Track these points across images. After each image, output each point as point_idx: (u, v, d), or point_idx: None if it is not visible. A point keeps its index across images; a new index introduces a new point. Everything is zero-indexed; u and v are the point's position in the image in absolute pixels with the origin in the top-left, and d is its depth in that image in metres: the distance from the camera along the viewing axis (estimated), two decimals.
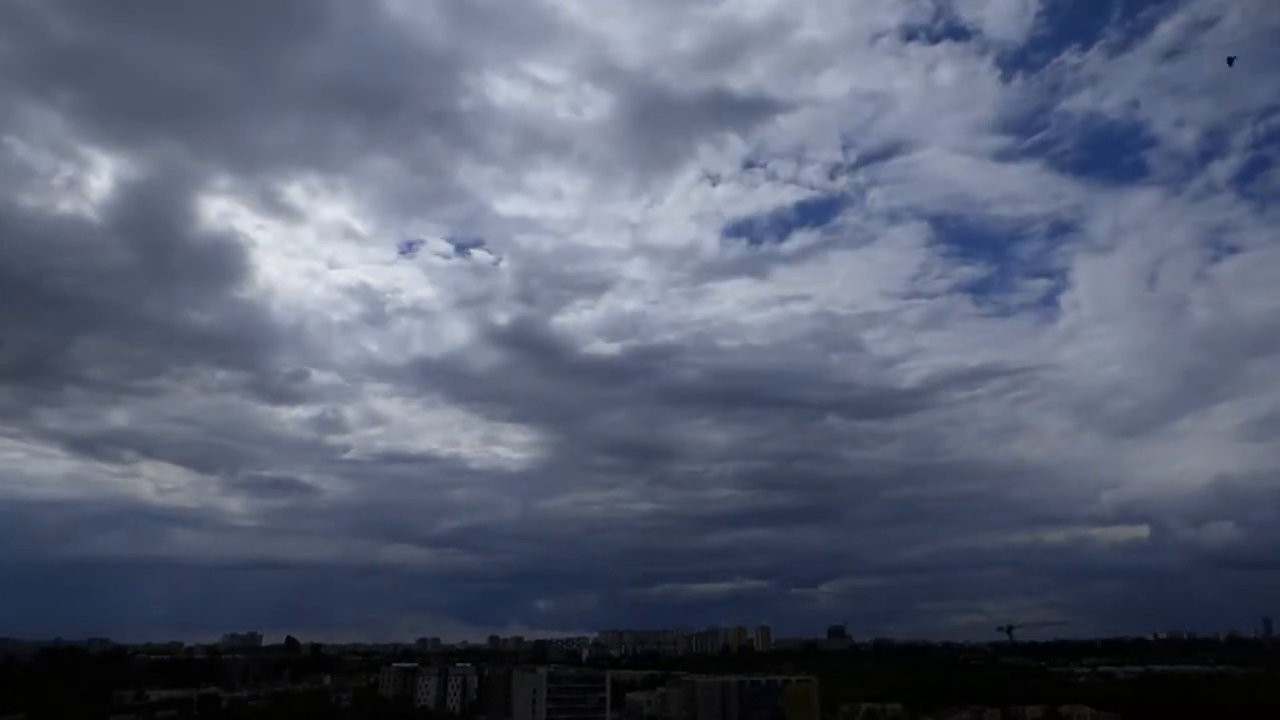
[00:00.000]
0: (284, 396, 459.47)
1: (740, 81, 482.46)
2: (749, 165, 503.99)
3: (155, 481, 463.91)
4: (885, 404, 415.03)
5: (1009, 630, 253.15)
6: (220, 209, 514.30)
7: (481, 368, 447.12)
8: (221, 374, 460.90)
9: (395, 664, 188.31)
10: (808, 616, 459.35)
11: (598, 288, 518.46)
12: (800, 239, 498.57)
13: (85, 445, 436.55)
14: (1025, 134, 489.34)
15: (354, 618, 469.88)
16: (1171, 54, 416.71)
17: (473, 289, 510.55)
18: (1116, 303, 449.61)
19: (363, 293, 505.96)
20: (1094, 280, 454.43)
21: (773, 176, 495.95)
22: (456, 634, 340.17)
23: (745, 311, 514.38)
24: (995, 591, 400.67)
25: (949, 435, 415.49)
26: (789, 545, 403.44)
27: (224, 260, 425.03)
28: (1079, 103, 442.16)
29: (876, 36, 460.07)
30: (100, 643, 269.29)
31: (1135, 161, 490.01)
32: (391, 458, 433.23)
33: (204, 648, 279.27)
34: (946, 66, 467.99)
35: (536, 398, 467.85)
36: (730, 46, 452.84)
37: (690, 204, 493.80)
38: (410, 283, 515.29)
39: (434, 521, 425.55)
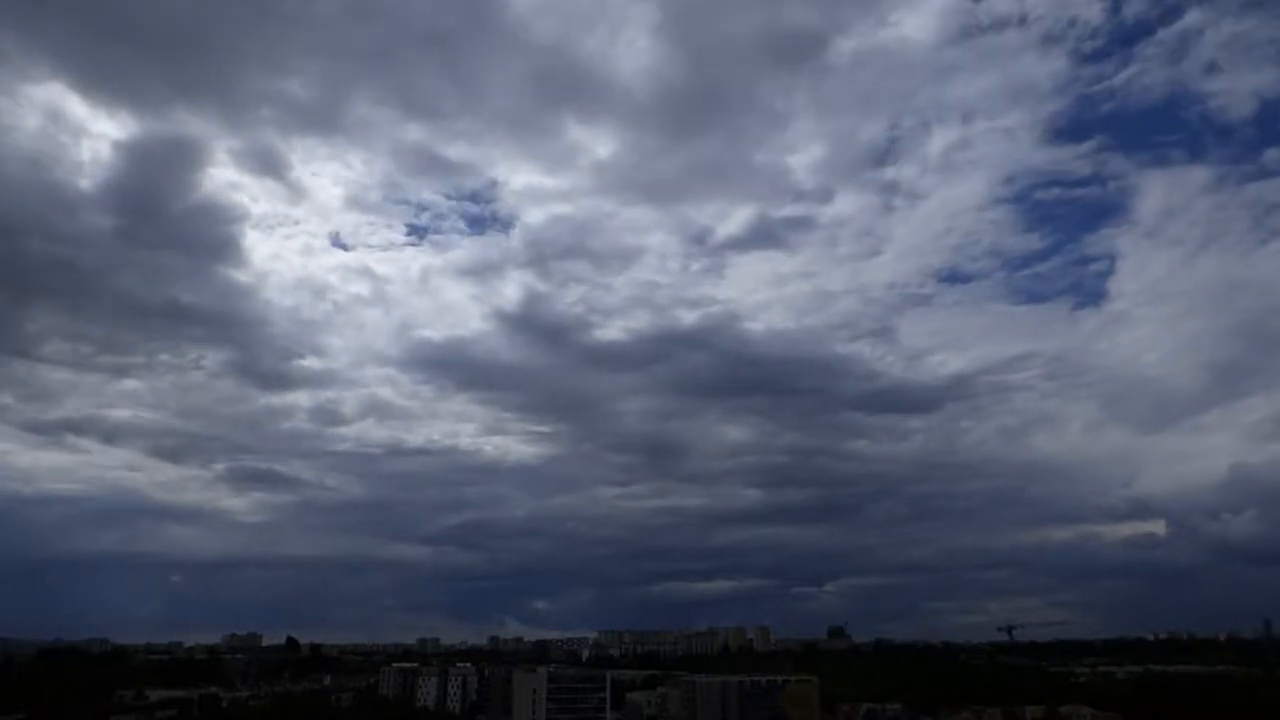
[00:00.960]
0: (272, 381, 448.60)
1: None
2: None
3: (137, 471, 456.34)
4: (909, 397, 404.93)
5: (1009, 630, 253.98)
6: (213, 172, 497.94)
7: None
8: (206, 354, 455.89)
9: (395, 664, 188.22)
10: (810, 615, 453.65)
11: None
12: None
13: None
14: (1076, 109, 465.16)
15: (349, 617, 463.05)
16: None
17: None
18: (1160, 290, 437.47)
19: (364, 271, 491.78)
20: (1137, 266, 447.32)
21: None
22: (456, 634, 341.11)
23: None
24: (1002, 591, 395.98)
25: (972, 430, 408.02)
26: (798, 543, 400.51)
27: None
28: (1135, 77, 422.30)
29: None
30: (100, 643, 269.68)
31: (1185, 141, 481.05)
32: (391, 450, 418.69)
33: (204, 648, 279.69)
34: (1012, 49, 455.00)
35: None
36: None
37: None
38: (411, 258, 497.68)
39: (432, 518, 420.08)
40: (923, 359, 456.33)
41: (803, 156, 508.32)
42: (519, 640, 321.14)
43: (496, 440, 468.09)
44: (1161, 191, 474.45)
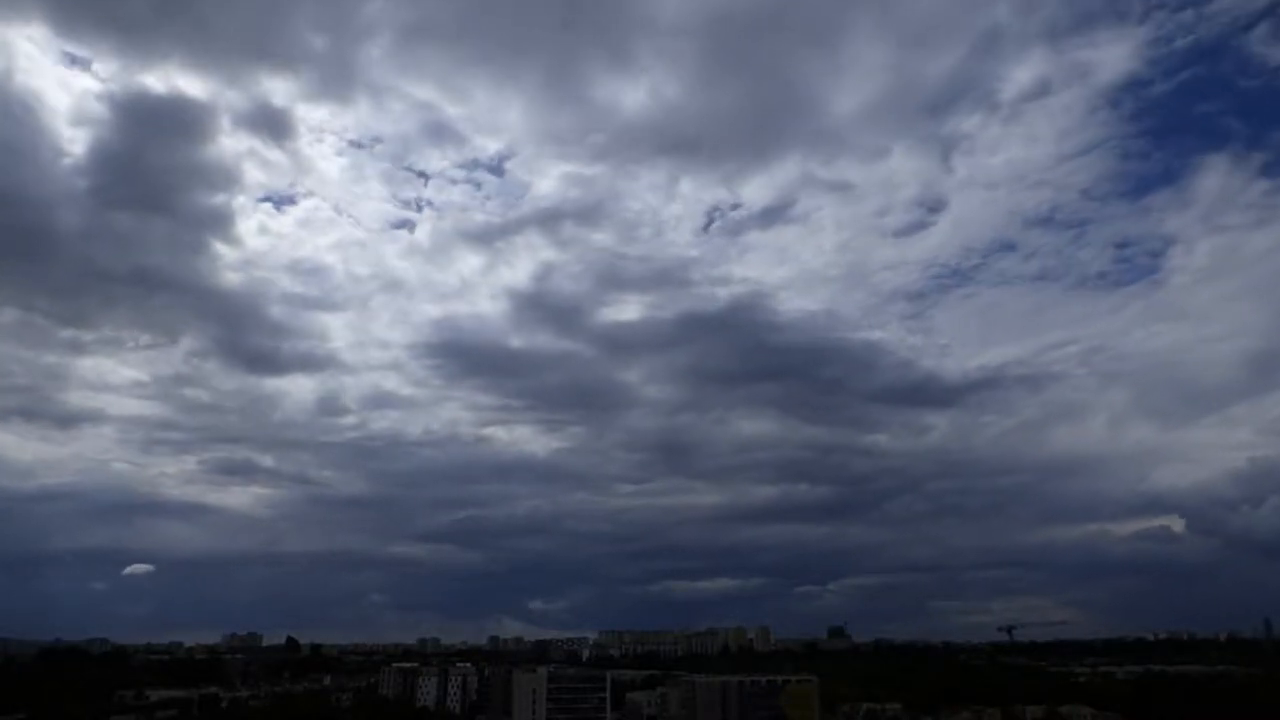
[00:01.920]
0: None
1: None
2: None
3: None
4: (933, 390, 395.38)
5: (1009, 630, 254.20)
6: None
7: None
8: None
9: (395, 664, 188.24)
10: (814, 615, 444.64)
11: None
12: None
13: None
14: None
15: (343, 616, 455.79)
16: None
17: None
18: (1209, 278, 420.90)
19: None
20: (1187, 254, 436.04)
21: None
22: (456, 633, 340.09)
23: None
24: (1011, 590, 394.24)
25: (995, 424, 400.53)
26: (806, 541, 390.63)
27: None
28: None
29: None
30: (100, 643, 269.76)
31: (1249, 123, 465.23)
32: (389, 441, 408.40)
33: (204, 648, 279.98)
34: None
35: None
36: None
37: None
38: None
39: (430, 514, 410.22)
40: (953, 348, 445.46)
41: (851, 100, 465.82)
42: (519, 640, 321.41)
43: (499, 431, 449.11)
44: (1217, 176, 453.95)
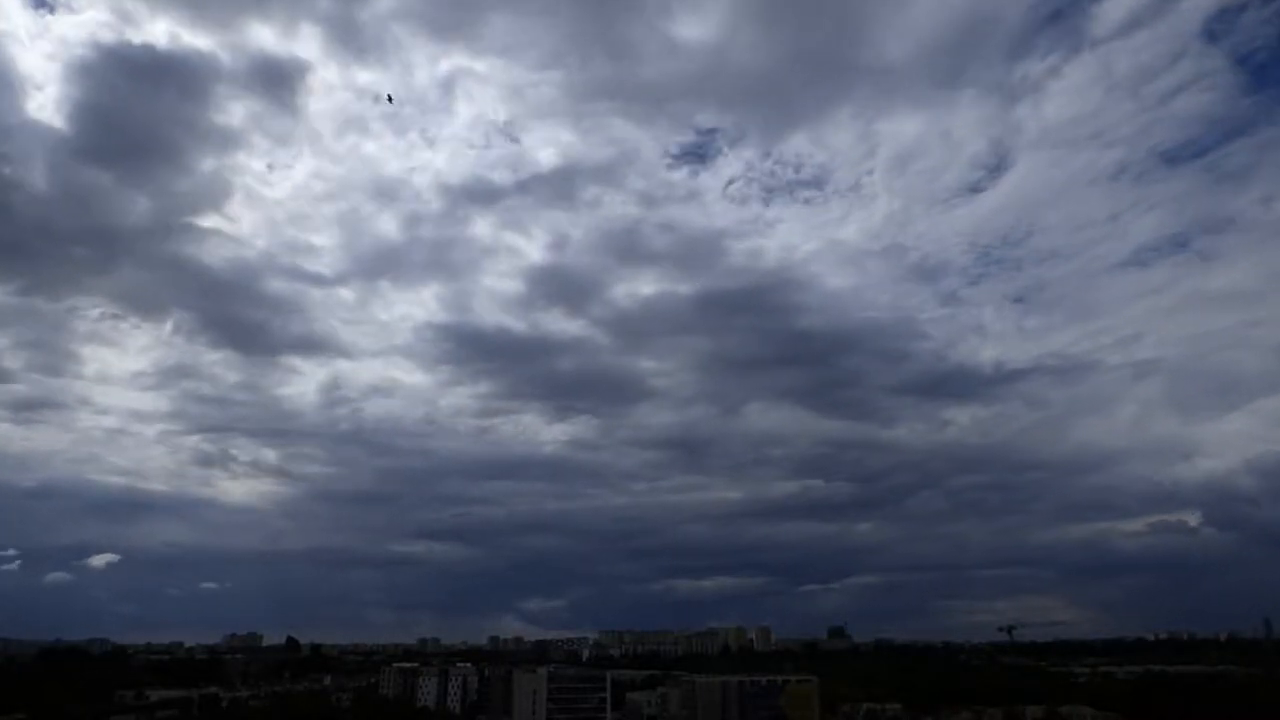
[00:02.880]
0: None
1: None
2: None
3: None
4: (960, 382, 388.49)
5: (1009, 630, 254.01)
6: None
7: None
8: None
9: (395, 664, 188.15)
10: (818, 614, 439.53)
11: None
12: None
13: None
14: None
15: (339, 615, 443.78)
16: None
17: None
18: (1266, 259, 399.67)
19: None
20: (1235, 238, 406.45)
21: None
22: (456, 633, 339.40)
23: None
24: (1023, 589, 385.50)
25: (1025, 416, 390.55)
26: (814, 538, 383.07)
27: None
28: None
29: None
30: (100, 643, 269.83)
31: None
32: (385, 434, 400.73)
33: (204, 648, 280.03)
34: None
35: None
36: None
37: None
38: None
39: (428, 512, 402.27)
40: (990, 334, 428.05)
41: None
42: (519, 640, 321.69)
43: (502, 423, 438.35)
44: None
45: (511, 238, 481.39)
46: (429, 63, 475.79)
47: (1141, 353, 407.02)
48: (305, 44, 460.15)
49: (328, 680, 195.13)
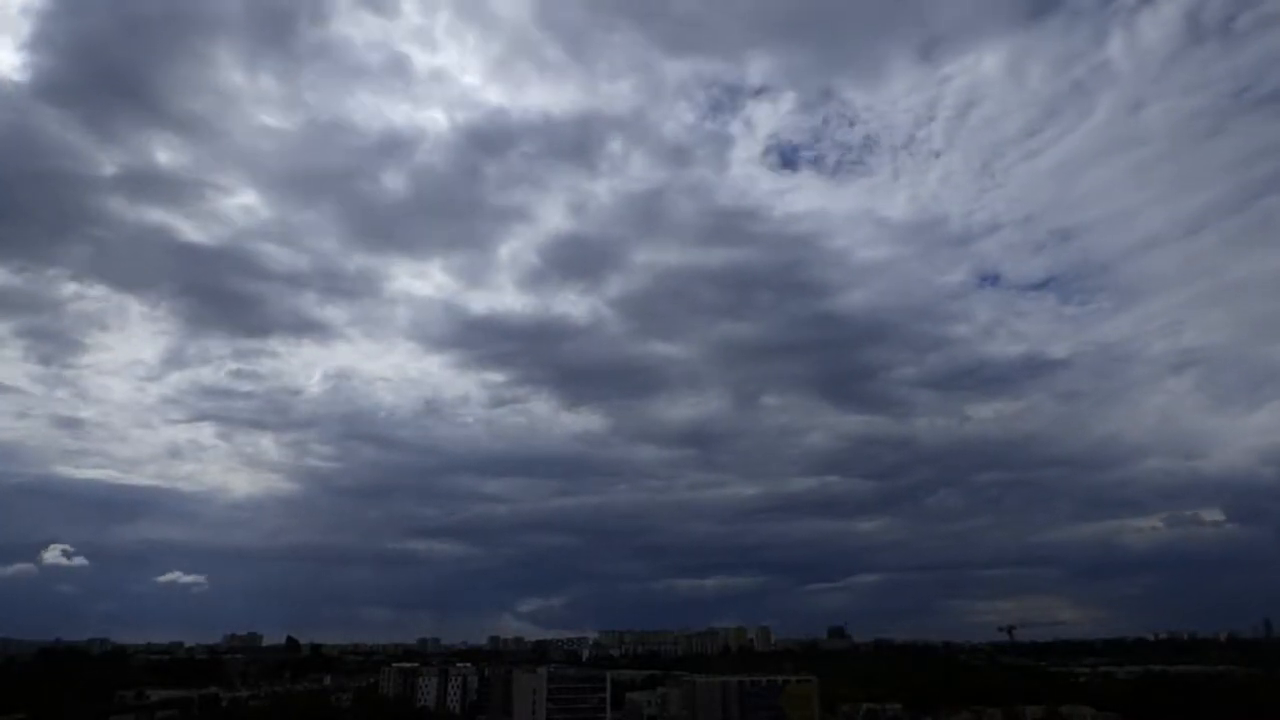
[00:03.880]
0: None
1: None
2: None
3: None
4: (984, 374, 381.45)
5: (1009, 630, 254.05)
6: None
7: None
8: None
9: (395, 664, 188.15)
10: (821, 613, 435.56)
11: None
12: None
13: None
14: None
15: (337, 614, 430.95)
16: None
17: None
18: None
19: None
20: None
21: None
22: (456, 633, 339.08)
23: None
24: (1034, 588, 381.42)
25: (1053, 409, 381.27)
26: (825, 536, 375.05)
27: None
28: None
29: None
30: (100, 643, 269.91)
31: None
32: (382, 424, 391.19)
33: (204, 648, 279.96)
34: None
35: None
36: None
37: None
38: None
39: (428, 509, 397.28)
40: (1030, 323, 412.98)
41: None
42: (519, 640, 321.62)
43: (504, 414, 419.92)
44: None
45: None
46: None
47: (1183, 341, 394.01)
48: None
49: (328, 680, 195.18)
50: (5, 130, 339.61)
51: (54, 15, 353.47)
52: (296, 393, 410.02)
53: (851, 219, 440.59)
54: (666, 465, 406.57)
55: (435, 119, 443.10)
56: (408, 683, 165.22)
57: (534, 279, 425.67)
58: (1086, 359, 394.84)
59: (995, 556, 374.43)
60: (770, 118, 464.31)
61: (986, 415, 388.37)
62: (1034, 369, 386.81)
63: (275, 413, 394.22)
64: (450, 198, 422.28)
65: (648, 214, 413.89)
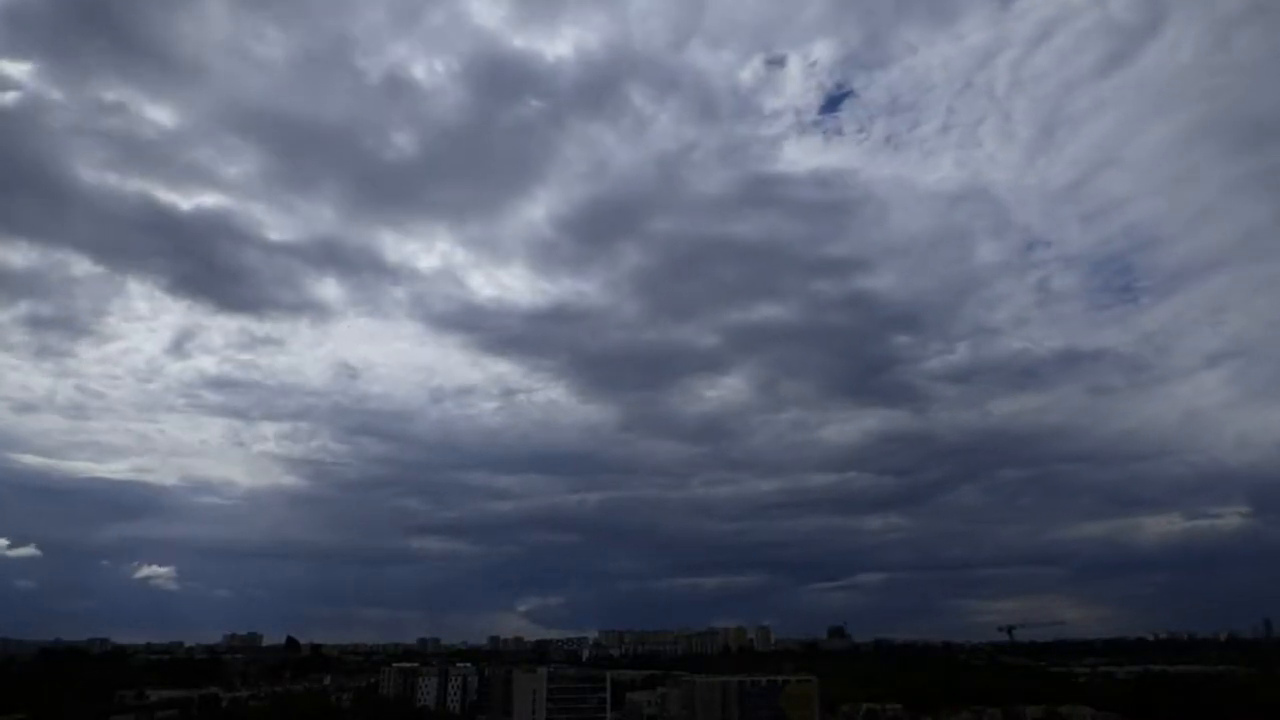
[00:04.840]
0: None
1: None
2: None
3: None
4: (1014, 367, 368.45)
5: (1009, 630, 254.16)
6: None
7: None
8: None
9: (395, 664, 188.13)
10: (823, 612, 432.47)
11: None
12: None
13: None
14: None
15: (330, 615, 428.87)
16: None
17: None
18: None
19: None
20: None
21: None
22: (456, 633, 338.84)
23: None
24: (1042, 588, 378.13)
25: (1083, 402, 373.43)
26: (837, 534, 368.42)
27: None
28: None
29: None
30: (100, 643, 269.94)
31: None
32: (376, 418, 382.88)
33: (204, 648, 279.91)
34: None
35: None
36: None
37: None
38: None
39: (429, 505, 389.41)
40: (1068, 307, 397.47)
41: None
42: (519, 640, 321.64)
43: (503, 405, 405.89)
44: None
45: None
46: None
47: (1223, 331, 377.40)
48: None
49: (328, 680, 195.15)
50: None
51: None
52: (284, 380, 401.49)
53: (889, 184, 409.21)
54: (680, 461, 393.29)
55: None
56: (408, 683, 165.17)
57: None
58: (1121, 350, 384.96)
59: (1005, 555, 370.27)
60: (813, 71, 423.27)
61: (1013, 409, 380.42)
62: (1067, 360, 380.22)
63: (264, 404, 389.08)
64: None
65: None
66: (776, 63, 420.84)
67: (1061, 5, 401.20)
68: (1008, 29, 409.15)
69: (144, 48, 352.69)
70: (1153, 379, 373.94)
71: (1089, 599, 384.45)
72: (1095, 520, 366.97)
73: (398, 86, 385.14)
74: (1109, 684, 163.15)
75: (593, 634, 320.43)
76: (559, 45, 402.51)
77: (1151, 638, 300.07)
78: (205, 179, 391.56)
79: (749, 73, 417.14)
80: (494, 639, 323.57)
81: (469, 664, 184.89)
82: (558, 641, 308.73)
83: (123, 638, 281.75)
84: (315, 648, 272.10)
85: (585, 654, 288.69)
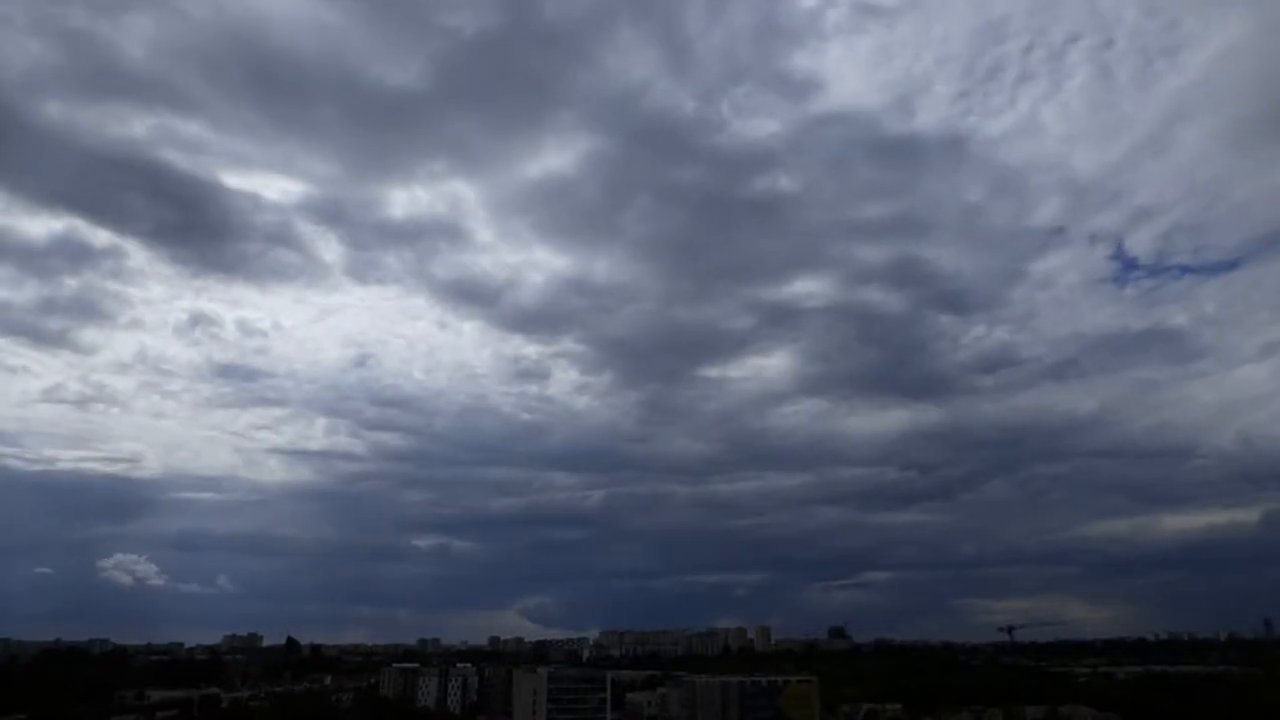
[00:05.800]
0: None
1: None
2: None
3: None
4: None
5: (1009, 630, 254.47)
6: None
7: None
8: None
9: (395, 664, 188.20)
10: (825, 612, 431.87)
11: None
12: None
13: None
14: None
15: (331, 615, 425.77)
16: None
17: None
18: None
19: None
20: None
21: None
22: (456, 633, 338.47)
23: None
24: (1054, 587, 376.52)
25: (1128, 396, 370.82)
26: (852, 534, 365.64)
27: None
28: None
29: None
30: (100, 643, 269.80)
31: None
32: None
33: (204, 648, 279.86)
34: None
35: None
36: None
37: None
38: None
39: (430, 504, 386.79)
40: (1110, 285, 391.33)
41: None
42: (519, 640, 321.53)
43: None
44: None
45: None
46: None
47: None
48: None
49: (328, 680, 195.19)
50: None
51: None
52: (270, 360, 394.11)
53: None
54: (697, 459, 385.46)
55: None
56: (408, 683, 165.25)
57: None
58: (1163, 341, 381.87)
59: (1015, 553, 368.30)
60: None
61: (1048, 403, 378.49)
62: (1107, 351, 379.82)
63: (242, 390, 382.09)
64: None
65: None
66: None
67: None
68: None
69: None
70: (1190, 374, 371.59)
71: (1098, 598, 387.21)
72: (1111, 518, 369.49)
73: None
74: (1109, 684, 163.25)
75: (593, 634, 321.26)
76: None
77: (1152, 638, 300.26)
78: None
79: None
80: (494, 639, 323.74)
81: (469, 664, 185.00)
82: (558, 641, 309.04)
83: (123, 638, 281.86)
84: (315, 648, 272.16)
85: (585, 654, 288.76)
